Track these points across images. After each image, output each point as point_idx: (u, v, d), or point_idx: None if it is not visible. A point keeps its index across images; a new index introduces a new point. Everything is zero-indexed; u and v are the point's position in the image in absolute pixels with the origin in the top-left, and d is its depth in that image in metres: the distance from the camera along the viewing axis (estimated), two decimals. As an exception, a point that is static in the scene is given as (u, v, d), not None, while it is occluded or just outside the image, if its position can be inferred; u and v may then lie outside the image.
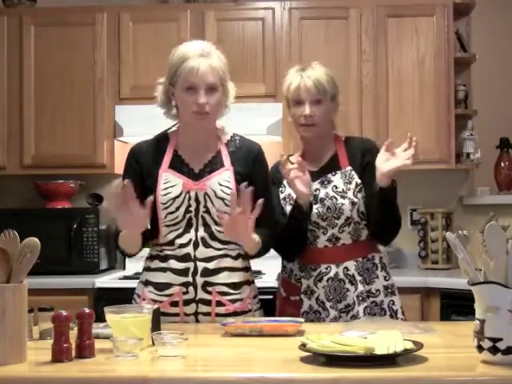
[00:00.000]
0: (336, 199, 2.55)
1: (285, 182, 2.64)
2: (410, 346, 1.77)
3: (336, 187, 2.57)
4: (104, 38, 4.20)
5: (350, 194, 2.55)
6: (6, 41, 4.22)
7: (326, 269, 2.56)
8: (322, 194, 2.57)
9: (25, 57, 4.21)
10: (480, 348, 1.71)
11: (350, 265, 2.56)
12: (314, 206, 2.55)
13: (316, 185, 2.59)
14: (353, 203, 2.54)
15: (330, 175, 2.60)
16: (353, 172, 2.58)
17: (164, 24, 4.19)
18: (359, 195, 2.56)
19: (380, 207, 2.48)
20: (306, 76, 2.59)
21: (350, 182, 2.57)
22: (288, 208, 2.60)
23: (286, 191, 2.63)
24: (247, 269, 2.53)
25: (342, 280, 2.55)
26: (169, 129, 2.56)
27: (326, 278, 2.56)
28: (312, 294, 2.58)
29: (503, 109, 4.41)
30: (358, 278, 2.56)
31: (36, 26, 4.22)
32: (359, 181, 2.57)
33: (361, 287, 2.55)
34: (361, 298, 2.55)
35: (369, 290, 2.57)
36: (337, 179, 2.58)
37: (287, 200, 2.62)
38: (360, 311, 2.53)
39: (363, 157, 2.60)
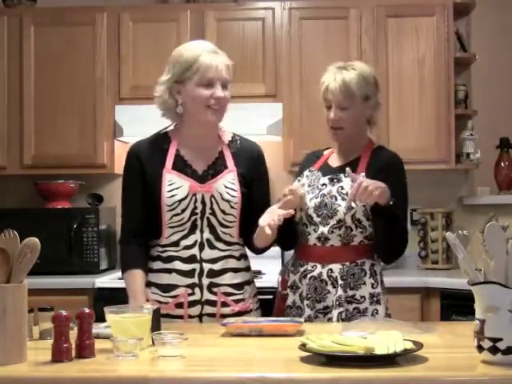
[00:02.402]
0: (336, 199, 2.53)
1: (305, 173, 2.66)
2: (409, 345, 1.77)
3: (342, 188, 2.55)
4: (104, 37, 4.19)
5: None
6: (6, 41, 4.21)
7: (312, 267, 2.55)
8: (326, 190, 2.56)
9: (25, 57, 4.21)
10: (480, 348, 1.71)
11: (335, 267, 2.52)
12: (315, 200, 2.55)
13: (325, 180, 2.59)
14: (349, 208, 2.51)
15: (341, 175, 2.57)
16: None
17: (164, 24, 4.19)
18: (359, 202, 2.49)
19: (375, 223, 2.50)
20: (334, 78, 2.55)
21: None
22: None
23: (302, 181, 2.64)
24: (248, 268, 2.54)
25: (325, 281, 2.53)
26: (167, 127, 2.55)
27: (309, 276, 2.55)
28: (297, 290, 2.58)
29: (503, 109, 4.41)
30: (340, 282, 2.51)
31: (36, 25, 4.22)
32: None
33: (340, 292, 2.50)
34: (337, 303, 2.50)
35: (353, 295, 2.52)
36: (346, 181, 2.55)
37: None
38: (334, 316, 2.49)
39: (386, 169, 2.57)
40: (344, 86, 2.54)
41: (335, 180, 2.58)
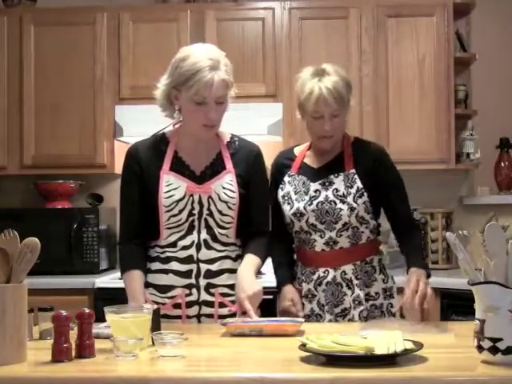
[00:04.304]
0: (335, 203, 2.51)
1: (285, 179, 2.62)
2: (409, 346, 1.77)
3: (337, 190, 2.52)
4: (104, 37, 4.19)
5: (349, 199, 2.51)
6: (6, 41, 4.21)
7: (324, 272, 2.54)
8: (321, 196, 2.53)
9: (25, 57, 4.21)
10: (480, 348, 1.71)
11: (348, 269, 2.53)
12: (311, 207, 2.52)
13: (316, 186, 2.56)
14: (351, 209, 2.50)
15: (332, 176, 2.55)
16: (356, 176, 2.53)
17: (164, 24, 4.19)
18: (359, 200, 2.51)
19: None
20: (325, 86, 2.46)
21: (352, 186, 2.52)
22: (286, 207, 2.58)
23: (286, 189, 2.61)
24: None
25: (340, 284, 2.53)
26: (165, 128, 2.55)
27: (324, 282, 2.54)
28: (313, 298, 2.56)
29: (503, 109, 4.41)
30: (355, 281, 2.53)
31: (36, 25, 4.22)
32: (361, 185, 2.52)
33: (357, 291, 2.52)
34: (357, 302, 2.52)
35: (368, 293, 2.54)
36: (338, 181, 2.54)
37: (285, 199, 2.60)
38: (355, 315, 2.50)
39: (375, 166, 2.55)
40: (337, 93, 2.47)
41: (327, 184, 2.55)
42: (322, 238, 2.53)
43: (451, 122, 4.12)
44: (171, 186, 2.42)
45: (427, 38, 4.13)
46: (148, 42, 4.18)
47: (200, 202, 2.41)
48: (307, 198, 2.55)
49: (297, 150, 2.69)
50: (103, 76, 4.19)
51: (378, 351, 1.71)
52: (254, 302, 2.32)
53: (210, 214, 2.42)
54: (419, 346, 1.79)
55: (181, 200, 2.41)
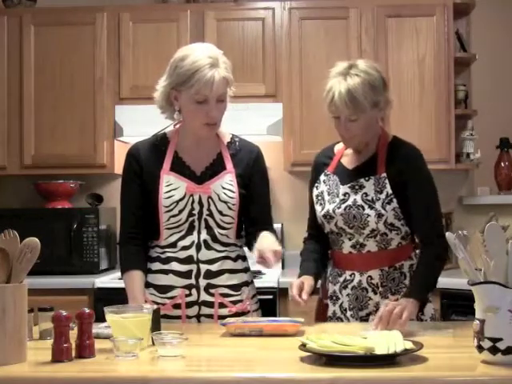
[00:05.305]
0: (363, 209, 2.42)
1: (321, 178, 2.55)
2: (409, 346, 1.77)
3: (366, 195, 2.43)
4: (104, 37, 4.20)
5: (377, 205, 2.42)
6: (6, 41, 4.22)
7: (351, 276, 2.48)
8: (350, 200, 2.45)
9: (25, 57, 4.21)
10: (480, 348, 1.71)
11: (375, 274, 2.45)
12: (339, 211, 2.45)
13: (346, 189, 2.47)
14: (379, 215, 2.41)
15: (362, 180, 2.46)
16: (386, 180, 2.43)
17: (164, 24, 4.19)
18: (388, 207, 2.41)
19: None
20: (339, 90, 2.36)
21: (381, 191, 2.43)
22: (318, 207, 2.52)
23: (320, 189, 2.54)
24: (246, 269, 2.53)
25: (365, 289, 2.46)
26: (166, 128, 2.55)
27: (350, 286, 2.48)
28: (337, 300, 2.52)
29: (503, 109, 4.41)
30: (380, 289, 2.45)
31: (36, 25, 4.22)
32: (390, 191, 2.42)
33: (378, 299, 2.44)
34: (375, 309, 2.43)
35: (396, 299, 2.39)
36: (369, 185, 2.45)
37: (319, 199, 2.53)
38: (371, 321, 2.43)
39: (403, 170, 2.44)
40: (351, 100, 2.36)
41: (357, 187, 2.46)
42: (349, 240, 2.47)
43: (451, 122, 4.12)
44: (171, 187, 2.42)
45: (427, 38, 4.13)
46: (148, 41, 4.18)
47: (200, 202, 2.41)
48: (337, 200, 2.48)
49: (336, 148, 2.61)
50: (103, 76, 4.19)
51: (378, 351, 1.71)
52: (273, 257, 2.24)
53: (210, 215, 2.42)
54: (419, 346, 1.79)
55: (181, 200, 2.40)
